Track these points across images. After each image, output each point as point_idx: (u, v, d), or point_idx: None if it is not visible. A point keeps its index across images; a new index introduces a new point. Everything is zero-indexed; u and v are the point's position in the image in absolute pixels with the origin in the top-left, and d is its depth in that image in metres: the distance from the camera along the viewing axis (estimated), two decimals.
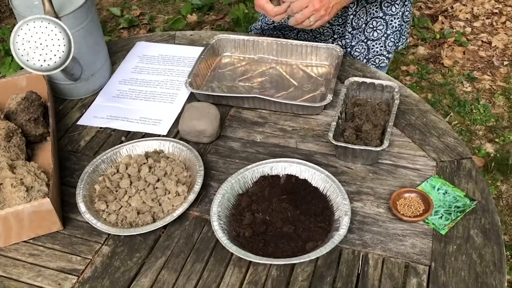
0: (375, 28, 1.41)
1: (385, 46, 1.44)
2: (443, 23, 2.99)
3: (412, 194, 1.03)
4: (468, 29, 2.94)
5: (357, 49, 1.45)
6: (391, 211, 1.01)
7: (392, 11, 1.40)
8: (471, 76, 2.62)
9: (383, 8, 1.39)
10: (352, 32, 1.43)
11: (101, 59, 1.35)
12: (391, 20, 1.41)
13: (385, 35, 1.42)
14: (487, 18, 3.01)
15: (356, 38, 1.43)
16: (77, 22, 1.22)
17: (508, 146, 2.26)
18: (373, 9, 1.39)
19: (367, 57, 1.46)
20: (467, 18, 3.03)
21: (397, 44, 1.47)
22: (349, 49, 1.46)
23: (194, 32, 1.55)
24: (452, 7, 3.10)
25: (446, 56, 2.77)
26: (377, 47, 1.44)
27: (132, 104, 1.31)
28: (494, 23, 2.97)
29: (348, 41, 1.44)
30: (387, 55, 1.46)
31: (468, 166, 1.09)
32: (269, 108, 1.26)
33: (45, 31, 1.01)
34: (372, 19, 1.40)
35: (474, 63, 2.73)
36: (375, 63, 1.47)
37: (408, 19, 1.44)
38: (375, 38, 1.42)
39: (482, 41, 2.86)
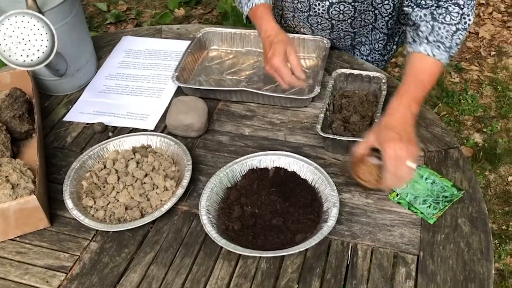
0: None
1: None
2: None
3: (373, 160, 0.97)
4: None
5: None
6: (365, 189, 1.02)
7: None
8: (458, 66, 2.63)
9: None
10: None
11: (87, 54, 1.33)
12: None
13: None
14: None
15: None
16: (60, 17, 1.20)
17: (495, 135, 2.28)
18: None
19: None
20: None
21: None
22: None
23: (180, 26, 1.54)
24: None
25: None
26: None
27: (119, 99, 1.29)
28: (481, 14, 2.98)
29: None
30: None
31: (456, 155, 1.10)
32: (257, 101, 1.25)
33: (28, 26, 1.00)
34: None
35: (461, 54, 2.74)
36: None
37: None
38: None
39: (469, 31, 2.87)
